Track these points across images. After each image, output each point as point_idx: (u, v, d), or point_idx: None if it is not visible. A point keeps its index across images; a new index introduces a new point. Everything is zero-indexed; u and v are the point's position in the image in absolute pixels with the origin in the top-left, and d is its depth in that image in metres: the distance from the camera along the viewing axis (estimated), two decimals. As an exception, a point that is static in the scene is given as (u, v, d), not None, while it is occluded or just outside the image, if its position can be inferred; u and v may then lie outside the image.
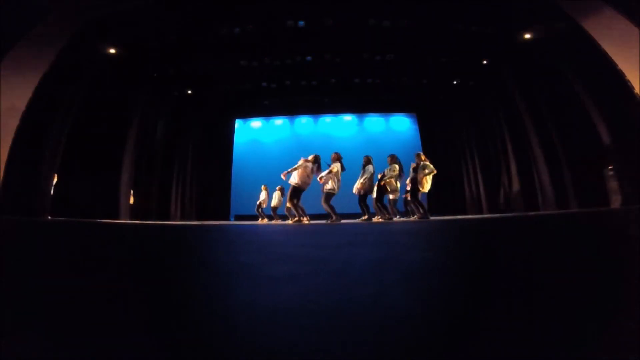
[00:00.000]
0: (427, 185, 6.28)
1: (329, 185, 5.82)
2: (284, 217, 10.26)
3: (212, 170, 12.15)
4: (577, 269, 0.91)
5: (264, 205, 9.64)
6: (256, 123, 13.33)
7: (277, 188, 9.50)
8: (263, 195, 9.64)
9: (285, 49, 8.18)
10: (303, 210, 5.91)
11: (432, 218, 6.18)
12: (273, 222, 8.28)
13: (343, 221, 5.67)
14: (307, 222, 5.82)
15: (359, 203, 6.25)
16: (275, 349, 0.41)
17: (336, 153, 6.09)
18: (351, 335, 0.45)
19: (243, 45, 7.84)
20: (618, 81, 5.39)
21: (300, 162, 5.83)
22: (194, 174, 11.25)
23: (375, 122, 13.23)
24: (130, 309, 0.61)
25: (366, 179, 6.08)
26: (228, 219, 11.92)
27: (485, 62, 8.49)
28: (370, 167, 6.18)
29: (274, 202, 9.47)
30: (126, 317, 0.56)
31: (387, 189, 6.49)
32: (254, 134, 13.24)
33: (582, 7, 5.73)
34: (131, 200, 8.23)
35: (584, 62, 6.06)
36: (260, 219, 9.55)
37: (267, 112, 12.57)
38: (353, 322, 0.51)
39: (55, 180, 6.57)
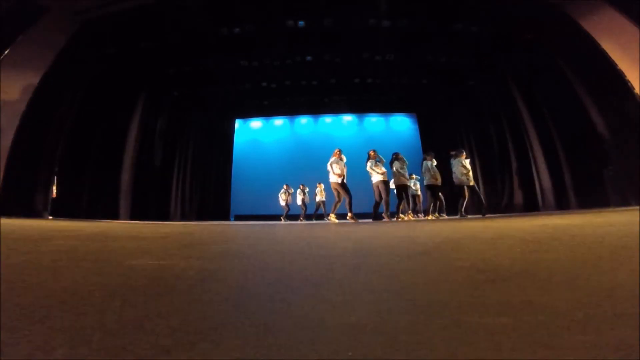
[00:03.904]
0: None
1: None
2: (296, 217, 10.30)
3: (212, 170, 12.15)
4: (577, 269, 0.91)
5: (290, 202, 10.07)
6: (256, 123, 13.35)
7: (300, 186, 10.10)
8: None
9: (285, 49, 8.18)
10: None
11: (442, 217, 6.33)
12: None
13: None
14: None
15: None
16: (275, 348, 0.41)
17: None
18: (351, 337, 0.45)
19: (243, 45, 7.84)
20: (618, 81, 5.39)
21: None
22: (194, 174, 11.25)
23: (375, 122, 13.24)
24: (128, 309, 0.61)
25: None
26: (228, 219, 11.92)
27: (485, 62, 8.49)
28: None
29: (299, 201, 9.86)
30: (125, 316, 0.56)
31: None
32: (254, 134, 13.25)
33: (582, 7, 5.73)
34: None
35: (584, 62, 6.06)
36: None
37: (267, 112, 12.57)
38: (353, 322, 0.51)
39: (55, 183, 6.55)
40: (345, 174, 6.00)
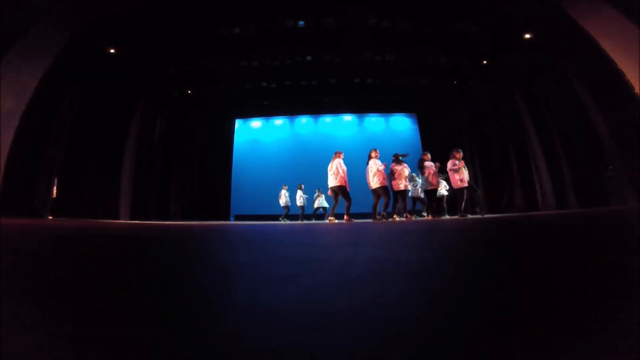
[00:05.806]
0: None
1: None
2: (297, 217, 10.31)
3: (212, 170, 12.16)
4: (577, 269, 0.91)
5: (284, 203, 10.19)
6: (256, 123, 13.35)
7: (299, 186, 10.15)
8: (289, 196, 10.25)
9: (285, 49, 8.19)
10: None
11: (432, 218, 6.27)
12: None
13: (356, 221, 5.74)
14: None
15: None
16: (275, 349, 0.41)
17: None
18: (351, 335, 0.45)
19: (243, 45, 7.85)
20: (618, 81, 5.39)
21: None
22: (194, 174, 11.25)
23: (375, 122, 13.24)
24: (129, 309, 0.61)
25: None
26: (228, 219, 11.92)
27: (485, 62, 8.50)
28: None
29: (299, 201, 9.87)
30: (125, 316, 0.56)
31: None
32: (254, 134, 13.25)
33: (582, 7, 5.73)
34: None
35: (584, 62, 6.06)
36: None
37: (267, 112, 12.58)
38: (353, 322, 0.51)
39: (55, 183, 6.56)
40: (346, 176, 5.86)
